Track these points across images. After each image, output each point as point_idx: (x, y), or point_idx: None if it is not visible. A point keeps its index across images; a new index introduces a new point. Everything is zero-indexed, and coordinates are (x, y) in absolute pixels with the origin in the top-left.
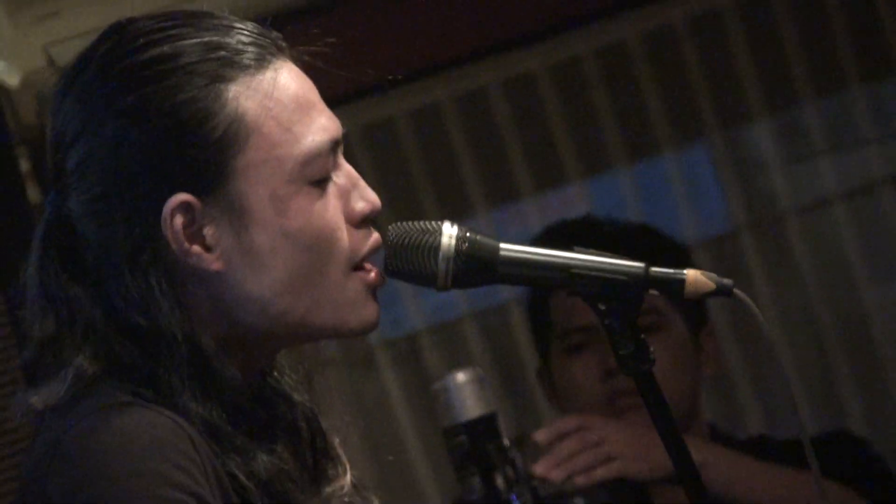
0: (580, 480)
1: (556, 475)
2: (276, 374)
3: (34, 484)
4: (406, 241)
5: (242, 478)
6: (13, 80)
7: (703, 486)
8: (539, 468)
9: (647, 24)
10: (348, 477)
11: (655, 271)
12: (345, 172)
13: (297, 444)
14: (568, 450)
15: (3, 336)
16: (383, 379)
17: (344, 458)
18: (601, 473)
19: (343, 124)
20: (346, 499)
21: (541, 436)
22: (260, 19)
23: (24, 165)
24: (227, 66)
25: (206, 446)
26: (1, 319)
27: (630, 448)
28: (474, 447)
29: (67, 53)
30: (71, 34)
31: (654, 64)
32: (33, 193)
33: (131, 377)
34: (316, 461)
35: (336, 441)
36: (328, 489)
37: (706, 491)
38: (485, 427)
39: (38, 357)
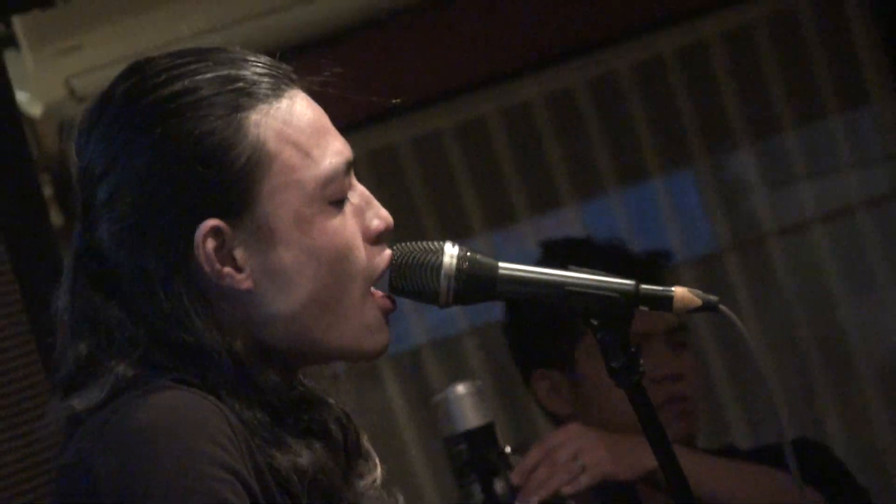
0: (567, 490)
1: (539, 497)
2: (306, 381)
3: (80, 464)
4: (409, 260)
5: (288, 472)
6: (36, 111)
7: (690, 491)
8: (519, 500)
9: (637, 56)
10: (378, 471)
11: (645, 288)
12: (359, 193)
13: (332, 443)
14: (538, 480)
15: (27, 352)
16: (387, 391)
17: (374, 455)
18: (585, 480)
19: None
20: (377, 494)
21: (515, 478)
22: (270, 52)
23: (47, 191)
24: (245, 96)
25: (245, 434)
26: (25, 337)
27: (610, 451)
28: (473, 455)
29: (88, 84)
30: (91, 66)
31: (644, 94)
32: (56, 217)
33: (172, 378)
34: (349, 459)
35: (365, 439)
36: (361, 483)
37: (694, 497)
38: (483, 436)
39: (74, 376)
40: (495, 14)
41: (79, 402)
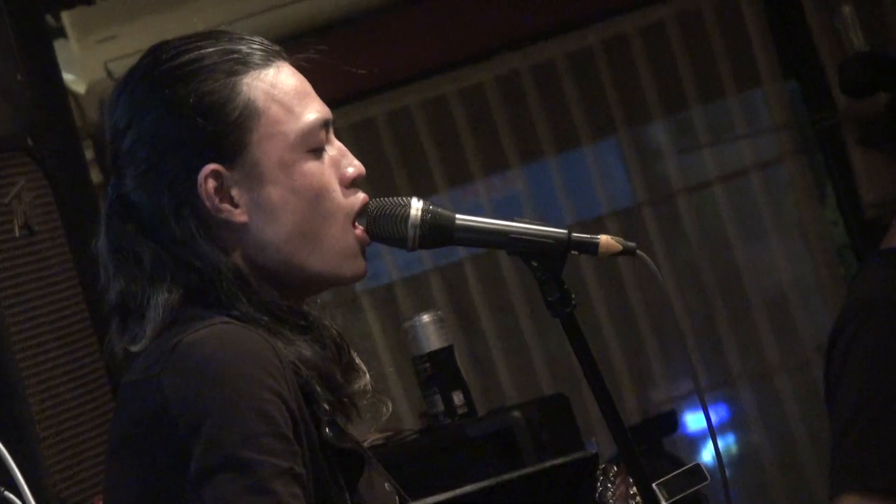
0: None
1: None
2: (306, 306)
3: (149, 383)
4: (383, 212)
5: (295, 362)
6: (80, 89)
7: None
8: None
9: (570, 47)
10: (367, 378)
11: (576, 236)
12: (336, 146)
13: (330, 352)
14: None
15: (74, 295)
16: (367, 319)
17: (363, 367)
18: None
19: (336, 122)
20: (368, 395)
21: None
22: (267, 38)
23: (89, 154)
24: (240, 64)
25: (287, 363)
26: (70, 273)
27: None
28: (435, 372)
29: (122, 67)
30: (124, 53)
31: (576, 78)
32: (95, 176)
33: (202, 301)
34: (343, 368)
35: (355, 354)
36: (354, 386)
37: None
38: (444, 356)
39: (121, 303)
40: (453, 12)
41: (142, 333)
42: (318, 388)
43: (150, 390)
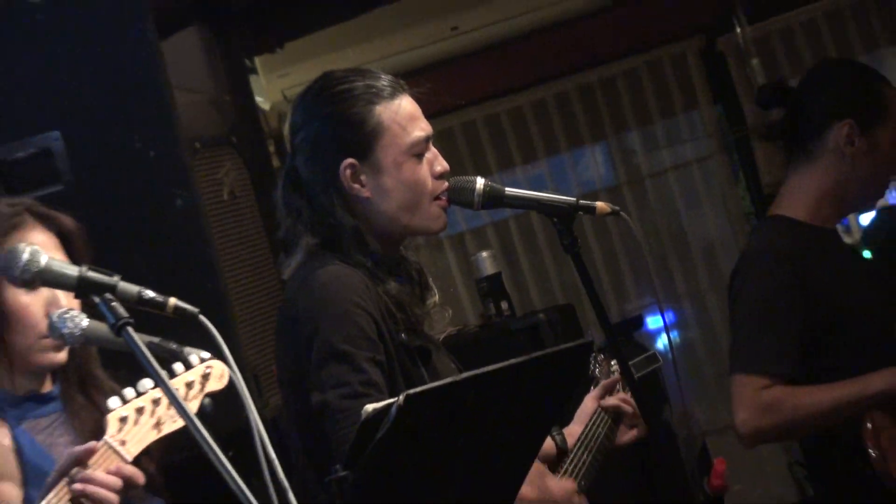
0: None
1: None
2: (402, 250)
3: (292, 301)
4: (459, 185)
5: (383, 294)
6: (266, 107)
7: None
8: None
9: (579, 81)
10: (437, 297)
11: (581, 202)
12: (432, 151)
13: (412, 281)
14: None
15: (260, 237)
16: (445, 256)
17: (434, 288)
18: None
19: (435, 129)
20: (437, 309)
21: None
22: (396, 73)
23: (272, 148)
24: (375, 95)
25: (375, 292)
26: (259, 228)
27: None
28: (490, 289)
29: (291, 93)
30: (294, 84)
31: (583, 103)
32: (275, 162)
33: (332, 247)
34: (421, 290)
35: (430, 279)
36: (427, 303)
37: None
38: (495, 278)
39: (286, 239)
40: (502, 59)
41: (290, 262)
42: (395, 310)
43: (291, 305)
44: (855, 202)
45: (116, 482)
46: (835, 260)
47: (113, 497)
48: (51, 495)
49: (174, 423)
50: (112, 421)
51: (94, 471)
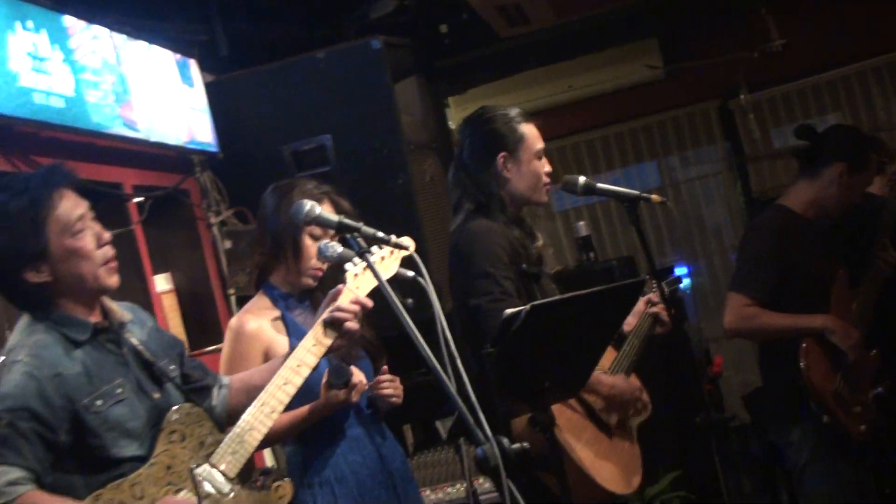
0: None
1: None
2: (526, 207)
3: (457, 244)
4: (569, 180)
5: (512, 238)
6: (453, 127)
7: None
8: None
9: (620, 129)
10: (541, 241)
11: (642, 194)
12: (544, 160)
13: (526, 231)
14: None
15: (445, 204)
16: (557, 224)
17: (538, 235)
18: None
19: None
20: (543, 247)
21: None
22: (533, 112)
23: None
24: (516, 123)
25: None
26: (444, 197)
27: None
28: (583, 243)
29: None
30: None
31: (632, 140)
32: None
33: (481, 210)
34: (530, 238)
35: (540, 236)
36: (536, 244)
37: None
38: (587, 238)
39: (454, 202)
40: (574, 117)
41: (454, 223)
42: (519, 248)
43: (458, 246)
44: (832, 213)
45: (355, 307)
46: (808, 240)
47: (352, 318)
48: (316, 324)
49: (385, 275)
50: (349, 276)
51: (339, 303)
